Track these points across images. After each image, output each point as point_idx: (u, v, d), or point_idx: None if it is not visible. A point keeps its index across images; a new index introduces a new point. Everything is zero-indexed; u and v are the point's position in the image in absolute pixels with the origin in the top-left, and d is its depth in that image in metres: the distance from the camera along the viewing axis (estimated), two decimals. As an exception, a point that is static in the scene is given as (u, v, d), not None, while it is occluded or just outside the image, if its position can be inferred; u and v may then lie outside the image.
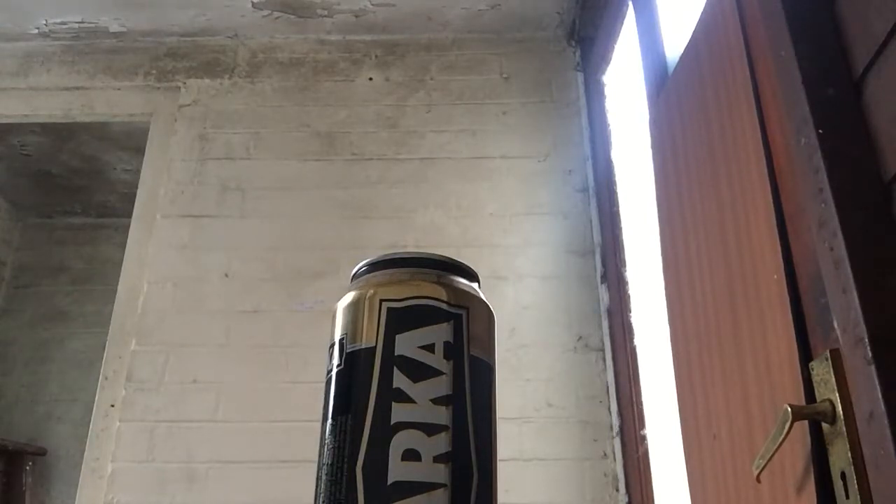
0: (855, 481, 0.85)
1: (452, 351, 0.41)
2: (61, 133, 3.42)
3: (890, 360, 0.79)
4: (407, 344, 0.41)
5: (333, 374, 0.43)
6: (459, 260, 0.45)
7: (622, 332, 2.15)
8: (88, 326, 3.87)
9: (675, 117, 1.54)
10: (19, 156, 3.64)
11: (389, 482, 0.38)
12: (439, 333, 0.41)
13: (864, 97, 0.90)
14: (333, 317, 0.44)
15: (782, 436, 0.94)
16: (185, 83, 2.69)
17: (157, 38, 2.76)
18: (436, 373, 0.40)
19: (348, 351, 0.42)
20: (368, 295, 0.43)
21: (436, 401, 0.40)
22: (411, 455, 0.39)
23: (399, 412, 0.39)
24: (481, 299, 0.45)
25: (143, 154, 2.62)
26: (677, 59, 1.61)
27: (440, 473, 0.38)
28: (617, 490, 2.08)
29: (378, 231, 2.41)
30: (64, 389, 3.83)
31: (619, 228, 2.25)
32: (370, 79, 2.69)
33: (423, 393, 0.40)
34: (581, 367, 2.23)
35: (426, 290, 0.42)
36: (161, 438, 2.15)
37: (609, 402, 2.18)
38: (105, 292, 3.25)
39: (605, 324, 2.26)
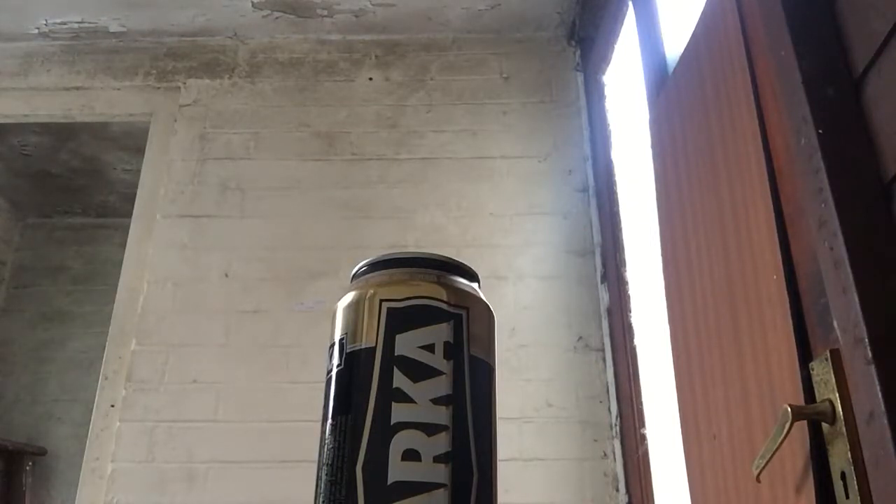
0: (855, 481, 0.85)
1: (452, 351, 0.41)
2: (61, 133, 3.42)
3: (890, 360, 0.79)
4: (407, 344, 0.41)
5: (333, 374, 0.43)
6: (459, 260, 0.45)
7: (622, 332, 2.15)
8: (88, 326, 3.87)
9: (675, 117, 1.54)
10: (19, 156, 3.64)
11: (389, 482, 0.38)
12: (439, 333, 0.41)
13: (864, 97, 0.90)
14: (333, 317, 0.44)
15: (782, 436, 0.94)
16: (185, 83, 2.69)
17: (157, 38, 2.76)
18: (436, 373, 0.40)
19: (348, 351, 0.42)
20: (368, 295, 0.43)
21: (436, 401, 0.40)
22: (411, 455, 0.39)
23: (399, 412, 0.39)
24: (481, 299, 0.45)
25: (143, 154, 2.62)
26: (677, 59, 1.61)
27: (440, 473, 0.38)
28: (617, 490, 2.08)
29: (378, 231, 2.41)
30: (64, 389, 3.83)
31: (619, 228, 2.25)
32: (370, 79, 2.69)
33: (423, 393, 0.40)
34: (581, 367, 2.23)
35: (426, 291, 0.42)
36: (161, 438, 2.15)
37: (609, 402, 2.18)
38: (105, 292, 3.26)
39: (605, 324, 2.26)
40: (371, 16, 2.67)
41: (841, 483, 0.89)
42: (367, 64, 2.72)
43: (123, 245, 2.47)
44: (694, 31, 1.47)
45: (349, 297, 0.44)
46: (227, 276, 2.36)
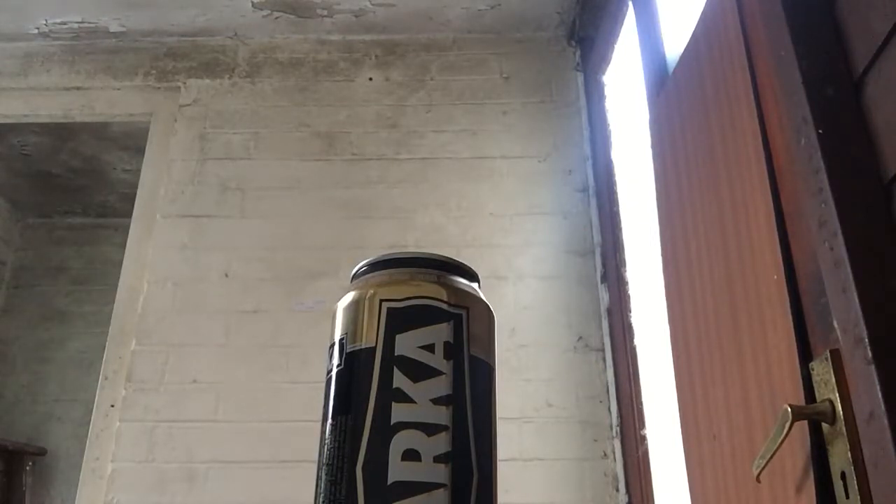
0: (855, 481, 0.85)
1: (452, 351, 0.41)
2: (61, 133, 3.42)
3: (890, 360, 0.79)
4: (407, 344, 0.41)
5: (333, 374, 0.43)
6: (459, 260, 0.45)
7: (622, 332, 2.15)
8: (88, 326, 3.87)
9: (675, 117, 1.54)
10: (19, 156, 3.64)
11: (389, 482, 0.38)
12: (439, 333, 0.41)
13: (864, 97, 0.90)
14: (333, 317, 0.44)
15: (782, 436, 0.94)
16: (185, 83, 2.69)
17: (157, 38, 2.76)
18: (436, 373, 0.40)
19: (348, 351, 0.42)
20: (368, 295, 0.43)
21: (436, 401, 0.40)
22: (411, 455, 0.39)
23: (399, 412, 0.39)
24: (481, 299, 0.45)
25: (143, 154, 2.62)
26: (677, 59, 1.61)
27: (440, 473, 0.38)
28: (617, 490, 2.08)
29: (378, 231, 2.41)
30: (64, 389, 3.83)
31: (619, 228, 2.25)
32: (370, 79, 2.69)
33: (423, 393, 0.40)
34: (581, 367, 2.22)
35: (426, 290, 0.42)
36: (161, 438, 2.15)
37: (609, 402, 2.18)
38: (105, 292, 3.26)
39: (605, 324, 2.26)
40: (371, 16, 2.67)
41: (841, 483, 0.89)
42: (367, 64, 2.72)
43: (123, 245, 2.47)
44: (694, 31, 1.47)
45: (349, 297, 0.44)
46: (227, 276, 2.36)
